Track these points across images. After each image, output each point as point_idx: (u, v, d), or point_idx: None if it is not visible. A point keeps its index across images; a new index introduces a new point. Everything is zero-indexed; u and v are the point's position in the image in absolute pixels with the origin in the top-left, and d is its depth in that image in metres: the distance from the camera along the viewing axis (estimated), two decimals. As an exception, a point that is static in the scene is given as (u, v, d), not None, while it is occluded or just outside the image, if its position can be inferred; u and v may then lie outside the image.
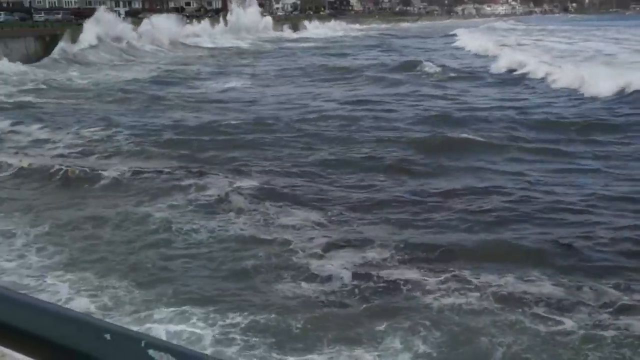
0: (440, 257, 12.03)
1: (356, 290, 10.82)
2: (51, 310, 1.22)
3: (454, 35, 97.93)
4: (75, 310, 1.26)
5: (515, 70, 42.73)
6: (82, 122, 26.77)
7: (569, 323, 9.50)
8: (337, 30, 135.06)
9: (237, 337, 9.34)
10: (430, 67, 45.62)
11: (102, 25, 67.22)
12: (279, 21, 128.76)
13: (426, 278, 11.10)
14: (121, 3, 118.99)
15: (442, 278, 11.06)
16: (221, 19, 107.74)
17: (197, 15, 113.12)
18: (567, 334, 9.24)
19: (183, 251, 12.64)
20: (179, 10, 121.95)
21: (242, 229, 13.73)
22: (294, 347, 9.08)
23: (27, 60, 52.16)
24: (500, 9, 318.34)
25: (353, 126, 24.93)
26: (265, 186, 16.67)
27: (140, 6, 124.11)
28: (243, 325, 9.63)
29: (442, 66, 46.80)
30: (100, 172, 18.06)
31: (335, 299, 10.56)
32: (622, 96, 29.43)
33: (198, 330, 9.51)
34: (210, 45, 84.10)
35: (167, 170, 18.30)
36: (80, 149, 21.74)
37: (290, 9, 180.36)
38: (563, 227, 13.55)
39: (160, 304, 10.32)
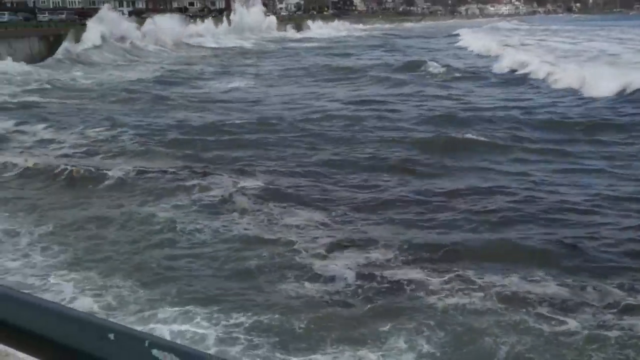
0: (444, 257, 12.03)
1: (360, 291, 10.81)
2: (55, 310, 1.22)
3: (457, 35, 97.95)
4: (79, 310, 1.26)
5: (518, 70, 42.70)
6: (87, 122, 26.80)
7: (573, 323, 9.49)
8: (341, 30, 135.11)
9: (241, 336, 9.34)
10: (434, 68, 45.64)
11: (105, 24, 67.31)
12: (282, 21, 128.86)
13: (430, 278, 11.09)
14: (124, 3, 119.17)
15: (446, 278, 11.05)
16: (224, 18, 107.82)
17: (200, 15, 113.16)
18: (571, 334, 9.22)
19: (187, 251, 12.64)
20: (182, 10, 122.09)
21: (246, 229, 13.74)
22: (297, 347, 9.08)
23: (31, 60, 52.23)
24: (504, 9, 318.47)
25: (357, 126, 24.93)
26: (269, 186, 16.68)
27: (144, 6, 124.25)
28: (247, 325, 9.63)
29: (446, 66, 46.77)
30: (104, 172, 18.09)
31: (339, 299, 10.56)
32: (625, 96, 29.40)
33: (202, 330, 9.51)
34: (213, 45, 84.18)
35: (171, 170, 18.32)
36: (84, 148, 21.77)
37: (293, 9, 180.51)
38: (567, 228, 13.54)
39: (164, 303, 10.33)
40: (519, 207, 14.75)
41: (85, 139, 23.43)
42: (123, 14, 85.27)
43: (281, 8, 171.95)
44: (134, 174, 17.94)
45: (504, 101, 31.07)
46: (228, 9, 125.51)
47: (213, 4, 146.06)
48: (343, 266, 11.68)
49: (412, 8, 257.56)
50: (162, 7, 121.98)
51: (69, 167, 18.37)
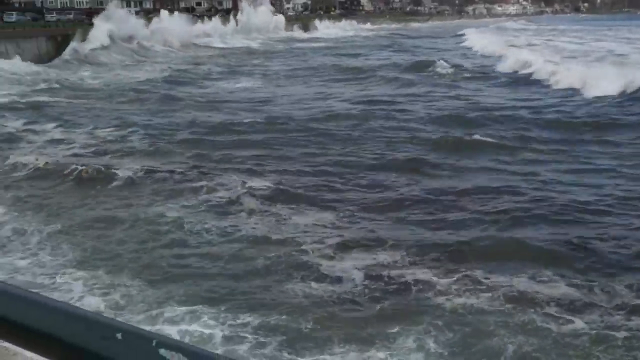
0: (452, 257, 12.01)
1: (367, 291, 10.81)
2: (62, 309, 1.22)
3: (464, 35, 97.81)
4: (87, 309, 1.26)
5: (525, 70, 42.62)
6: (96, 122, 26.90)
7: (580, 324, 9.47)
8: (348, 30, 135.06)
9: (248, 336, 9.35)
10: (442, 68, 45.64)
11: (113, 21, 67.38)
12: (289, 21, 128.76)
13: (438, 278, 11.08)
14: (132, 3, 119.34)
15: (454, 278, 11.04)
16: (232, 18, 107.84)
17: (207, 15, 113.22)
18: (578, 335, 9.20)
19: (195, 250, 12.66)
20: (189, 10, 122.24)
21: (253, 229, 13.75)
22: (305, 346, 9.09)
23: (39, 60, 52.34)
24: (511, 8, 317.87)
25: (365, 126, 24.93)
26: (278, 186, 16.69)
27: (151, 6, 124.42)
28: (254, 324, 9.64)
29: (455, 67, 46.77)
30: (113, 171, 18.15)
31: (347, 299, 10.55)
32: (632, 95, 29.29)
33: (209, 330, 9.52)
34: (220, 45, 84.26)
35: (180, 170, 18.36)
36: (94, 148, 21.83)
37: (300, 8, 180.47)
38: (576, 228, 13.50)
39: (172, 302, 10.35)
40: (528, 207, 14.72)
41: (95, 138, 23.52)
42: (130, 13, 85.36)
43: (288, 8, 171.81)
44: (143, 174, 17.99)
45: (511, 101, 31.06)
46: (235, 8, 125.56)
47: (220, 3, 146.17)
48: (351, 266, 11.68)
49: (419, 8, 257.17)
50: (169, 7, 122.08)
51: (78, 167, 18.44)
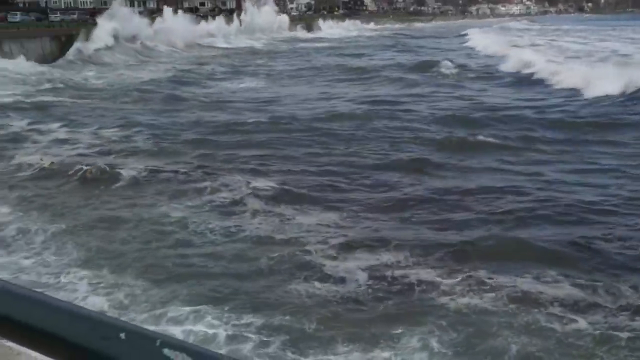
0: (456, 257, 12.00)
1: (371, 291, 10.81)
2: (66, 309, 1.22)
3: (468, 35, 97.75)
4: (90, 309, 1.25)
5: (527, 70, 42.59)
6: (101, 122, 26.95)
7: (584, 324, 9.45)
8: (351, 30, 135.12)
9: (252, 336, 9.34)
10: (446, 68, 45.66)
11: (116, 20, 67.39)
12: (293, 21, 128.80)
13: (442, 279, 11.07)
14: (135, 3, 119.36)
15: (458, 279, 11.03)
16: (235, 18, 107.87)
17: (211, 15, 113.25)
18: (582, 335, 9.19)
19: (199, 250, 12.67)
20: (193, 10, 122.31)
21: (257, 229, 13.76)
22: (309, 346, 9.08)
23: (43, 60, 52.43)
24: (515, 8, 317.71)
25: (369, 126, 24.92)
26: (282, 186, 16.69)
27: (155, 6, 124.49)
28: (258, 324, 9.63)
29: (458, 67, 46.78)
30: (118, 171, 18.18)
31: (351, 300, 10.55)
32: (635, 94, 29.22)
33: (213, 329, 9.52)
34: (224, 46, 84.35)
35: (184, 170, 18.39)
36: (99, 148, 21.86)
37: (304, 8, 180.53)
38: (581, 228, 13.47)
39: (176, 302, 10.36)
40: (532, 207, 14.70)
41: (99, 138, 23.55)
42: (134, 12, 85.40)
43: (292, 8, 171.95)
44: (147, 174, 18.02)
45: (515, 101, 31.06)
46: (239, 8, 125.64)
47: (224, 3, 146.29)
48: (355, 266, 11.67)
49: (422, 8, 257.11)
50: (173, 7, 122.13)
51: (83, 167, 18.47)
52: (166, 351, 1.09)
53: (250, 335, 9.37)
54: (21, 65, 47.62)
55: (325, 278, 11.29)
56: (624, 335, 9.13)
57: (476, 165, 18.86)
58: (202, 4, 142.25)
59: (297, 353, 8.94)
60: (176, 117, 28.28)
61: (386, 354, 8.84)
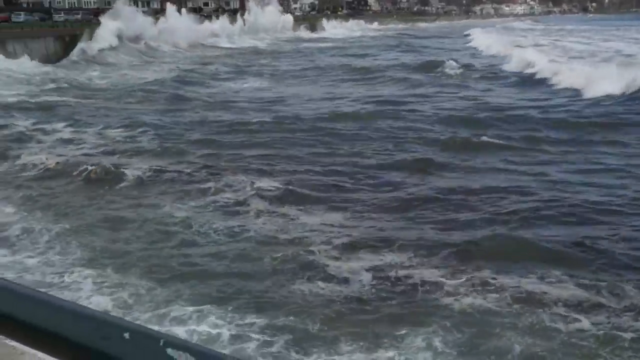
0: (460, 257, 11.99)
1: (375, 291, 10.81)
2: (70, 309, 1.23)
3: (471, 35, 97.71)
4: (94, 309, 1.26)
5: (530, 70, 42.57)
6: (105, 122, 26.98)
7: (588, 324, 9.44)
8: (355, 30, 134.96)
9: (255, 335, 9.35)
10: (450, 68, 45.63)
11: (120, 19, 67.34)
12: (296, 21, 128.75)
13: (446, 279, 11.06)
14: (139, 3, 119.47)
15: (463, 279, 11.03)
16: (239, 18, 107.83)
17: (215, 15, 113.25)
18: (586, 336, 9.18)
19: (202, 250, 12.69)
20: (196, 10, 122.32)
21: (261, 229, 13.76)
22: (312, 345, 9.08)
23: (47, 60, 52.45)
24: (519, 8, 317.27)
25: (374, 126, 24.92)
26: (286, 186, 16.70)
27: (159, 6, 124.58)
28: (261, 324, 9.64)
29: (463, 67, 46.76)
30: (122, 171, 18.21)
31: (355, 300, 10.55)
32: (637, 94, 29.14)
33: (216, 329, 9.53)
34: (228, 45, 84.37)
35: (188, 170, 18.41)
36: (103, 148, 21.90)
37: (307, 8, 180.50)
38: (585, 228, 13.46)
39: (180, 302, 10.37)
40: (536, 207, 14.68)
41: (104, 138, 23.60)
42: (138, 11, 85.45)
43: (295, 8, 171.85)
44: (152, 174, 18.05)
45: (519, 101, 31.05)
46: (242, 8, 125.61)
47: (227, 3, 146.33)
48: (359, 266, 11.68)
49: (426, 8, 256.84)
50: (176, 7, 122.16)
51: (88, 167, 18.51)
52: (170, 351, 1.09)
53: (253, 335, 9.38)
54: (25, 65, 47.65)
55: (329, 278, 11.29)
56: (628, 335, 9.12)
57: (480, 166, 18.85)
58: (206, 3, 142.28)
59: (301, 353, 8.94)
60: (180, 117, 28.31)
61: (390, 354, 8.84)
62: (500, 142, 21.42)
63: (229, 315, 9.90)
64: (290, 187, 16.66)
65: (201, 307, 10.14)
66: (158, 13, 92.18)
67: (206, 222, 14.15)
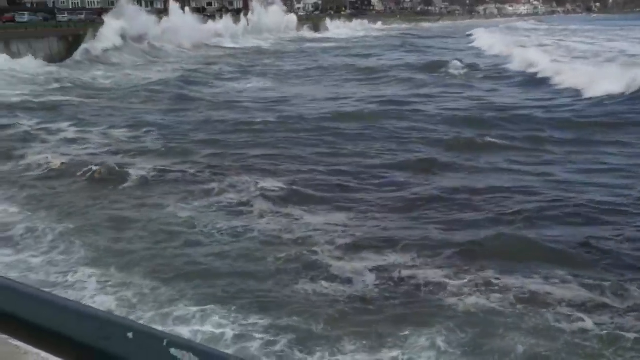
0: (464, 257, 11.98)
1: (379, 291, 10.80)
2: (73, 308, 1.23)
3: (475, 35, 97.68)
4: (98, 309, 1.25)
5: (532, 70, 42.51)
6: (109, 121, 27.03)
7: (591, 325, 9.43)
8: (359, 30, 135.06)
9: (259, 335, 9.35)
10: (454, 68, 45.65)
11: (124, 19, 67.30)
12: (300, 21, 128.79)
13: (450, 279, 11.05)
14: (143, 3, 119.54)
15: (466, 279, 11.01)
16: (243, 18, 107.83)
17: (218, 15, 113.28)
18: (590, 336, 9.16)
19: (206, 250, 12.69)
20: (200, 10, 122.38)
21: (265, 229, 13.76)
22: (316, 345, 9.08)
23: (51, 60, 52.56)
24: (522, 8, 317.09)
25: (377, 126, 24.90)
26: (290, 186, 16.70)
27: (162, 6, 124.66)
28: (265, 324, 9.64)
29: (467, 67, 46.75)
30: (126, 171, 18.24)
31: (358, 299, 10.54)
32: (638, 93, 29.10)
33: (220, 329, 9.53)
34: (232, 45, 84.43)
35: (192, 170, 18.43)
36: (107, 148, 21.94)
37: (311, 8, 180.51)
38: (589, 228, 13.43)
39: (183, 301, 10.37)
40: (540, 207, 14.66)
41: (108, 138, 23.63)
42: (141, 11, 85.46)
43: (299, 8, 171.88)
44: (156, 174, 18.08)
45: (523, 101, 31.03)
46: (246, 8, 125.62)
47: (231, 3, 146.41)
48: (362, 267, 11.67)
49: (430, 8, 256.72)
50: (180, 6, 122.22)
51: (92, 167, 18.54)
52: (173, 351, 1.09)
53: (257, 334, 9.37)
54: (29, 65, 47.75)
55: (332, 278, 11.29)
56: (631, 336, 9.10)
57: (484, 166, 18.83)
58: (209, 3, 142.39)
59: (304, 352, 8.94)
60: (184, 117, 28.34)
61: (394, 354, 8.83)
62: (505, 142, 21.40)
63: (233, 315, 9.90)
64: (294, 187, 16.66)
65: (205, 307, 10.14)
66: (161, 13, 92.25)
67: (210, 222, 14.16)
